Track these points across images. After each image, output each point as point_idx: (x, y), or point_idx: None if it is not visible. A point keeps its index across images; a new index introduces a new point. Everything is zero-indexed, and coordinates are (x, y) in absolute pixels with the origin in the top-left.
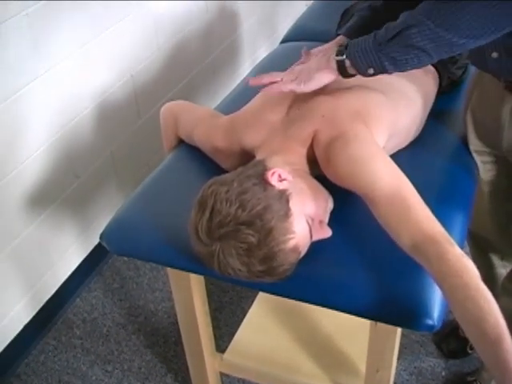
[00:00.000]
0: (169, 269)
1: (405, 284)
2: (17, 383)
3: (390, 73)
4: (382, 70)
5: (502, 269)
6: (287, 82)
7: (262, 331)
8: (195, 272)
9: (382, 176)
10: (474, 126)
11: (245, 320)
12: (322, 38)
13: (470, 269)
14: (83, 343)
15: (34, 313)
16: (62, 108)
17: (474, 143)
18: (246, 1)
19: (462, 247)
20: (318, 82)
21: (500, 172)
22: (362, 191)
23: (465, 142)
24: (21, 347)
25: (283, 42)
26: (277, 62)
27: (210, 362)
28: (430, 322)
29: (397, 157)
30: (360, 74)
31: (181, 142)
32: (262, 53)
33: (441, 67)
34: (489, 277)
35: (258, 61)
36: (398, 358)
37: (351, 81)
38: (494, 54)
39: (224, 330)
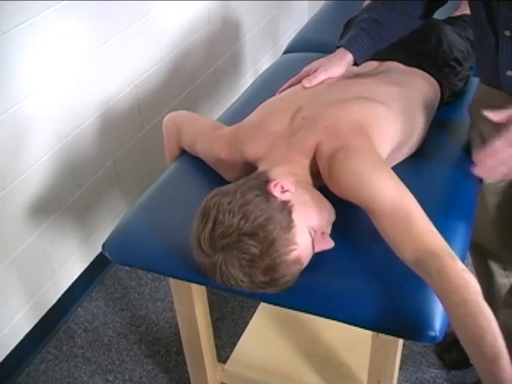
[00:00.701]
0: (171, 279)
1: (406, 295)
2: None
3: None
4: None
5: (504, 279)
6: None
7: (263, 342)
8: (197, 282)
9: (383, 189)
10: (481, 140)
11: (246, 330)
12: (324, 50)
13: (471, 285)
14: (84, 352)
15: (35, 322)
16: (65, 117)
17: None
18: (249, 11)
19: (463, 260)
20: None
21: (507, 183)
22: (364, 204)
23: (467, 154)
24: (22, 356)
25: (286, 52)
26: (279, 73)
27: (211, 373)
28: (431, 333)
29: (398, 168)
30: None
31: (183, 153)
32: (265, 63)
33: (442, 79)
34: (490, 286)
35: (260, 71)
36: (400, 369)
37: (354, 92)
38: (510, 73)
39: (225, 340)
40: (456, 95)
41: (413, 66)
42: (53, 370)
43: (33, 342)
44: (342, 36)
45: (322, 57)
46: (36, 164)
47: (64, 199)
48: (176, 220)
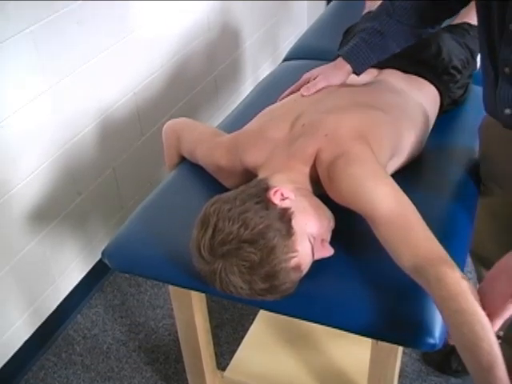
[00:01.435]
0: (170, 286)
1: (406, 303)
2: None
3: None
4: None
5: None
6: None
7: (262, 349)
8: (196, 289)
9: (383, 196)
10: (486, 167)
11: (246, 338)
12: (324, 57)
13: (468, 293)
14: (83, 360)
15: (34, 329)
16: (65, 124)
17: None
18: (248, 19)
19: (462, 268)
20: None
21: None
22: (363, 211)
23: (466, 163)
24: (21, 363)
25: (285, 60)
26: (279, 81)
27: (210, 380)
28: (431, 340)
29: (397, 176)
30: None
31: (183, 160)
32: (264, 71)
33: (442, 86)
34: None
35: (260, 78)
36: (400, 377)
37: (354, 99)
38: (508, 111)
39: (225, 347)
40: (455, 103)
41: (412, 74)
42: (52, 378)
43: (32, 349)
44: (341, 44)
45: (322, 64)
46: (35, 171)
47: (63, 206)
48: (175, 227)
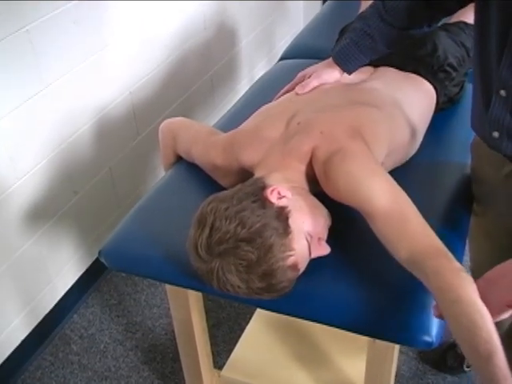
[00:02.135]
0: (167, 285)
1: (403, 301)
2: None
3: None
4: None
5: None
6: None
7: (259, 348)
8: (193, 288)
9: (379, 191)
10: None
11: (242, 337)
12: (320, 56)
13: (466, 283)
14: (80, 359)
15: (31, 328)
16: (61, 124)
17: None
18: (245, 18)
19: (460, 262)
20: None
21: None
22: (360, 206)
23: (461, 162)
24: (17, 363)
25: (282, 59)
26: (275, 80)
27: (207, 379)
28: (428, 338)
29: (393, 174)
30: None
31: (179, 159)
32: (260, 70)
33: (437, 84)
34: None
35: (256, 78)
36: (396, 375)
37: (349, 97)
38: (495, 134)
39: (222, 346)
40: (451, 100)
41: (408, 72)
42: (48, 377)
43: (28, 349)
44: (337, 42)
45: (318, 63)
46: (32, 170)
47: (60, 206)
48: (172, 226)
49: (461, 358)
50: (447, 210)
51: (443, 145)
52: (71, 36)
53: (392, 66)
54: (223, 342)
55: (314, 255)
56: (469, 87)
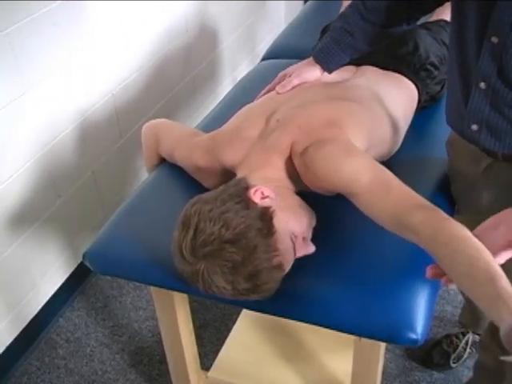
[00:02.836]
0: (152, 287)
1: (388, 299)
2: None
3: None
4: None
5: None
6: None
7: (246, 348)
8: (179, 290)
9: (359, 167)
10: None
11: (229, 337)
12: (301, 56)
13: (455, 223)
14: (67, 363)
15: (16, 333)
16: (44, 127)
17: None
18: (226, 19)
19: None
20: None
21: None
22: (342, 188)
23: (443, 158)
24: (3, 369)
25: (263, 59)
26: (257, 80)
27: (194, 380)
28: (413, 336)
29: None
30: None
31: (162, 161)
32: (243, 70)
33: (419, 82)
34: None
35: (238, 78)
36: (383, 373)
37: (328, 94)
38: (474, 127)
39: (208, 347)
40: (433, 99)
41: (390, 71)
42: (35, 382)
43: (14, 354)
44: (318, 42)
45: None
46: (15, 174)
47: (43, 209)
48: (156, 228)
49: (447, 355)
50: None
51: (425, 142)
52: (52, 38)
53: (374, 66)
54: (210, 343)
55: (299, 255)
56: None
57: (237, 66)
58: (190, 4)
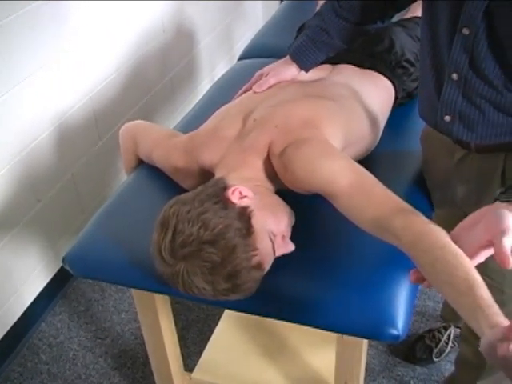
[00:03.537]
0: (133, 290)
1: (368, 296)
2: None
3: None
4: None
5: None
6: None
7: (229, 348)
8: (160, 292)
9: (338, 169)
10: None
11: (212, 338)
12: (278, 55)
13: (436, 230)
14: (49, 368)
15: None
16: (21, 131)
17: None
18: (203, 19)
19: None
20: None
21: None
22: (321, 189)
23: (418, 153)
24: None
25: (240, 59)
26: (235, 80)
27: (178, 382)
28: (394, 332)
29: None
30: None
31: (141, 163)
32: (221, 70)
33: (396, 80)
34: None
35: (216, 78)
36: (366, 369)
37: (304, 92)
38: (447, 118)
39: (192, 348)
40: (410, 96)
41: (366, 68)
42: None
43: None
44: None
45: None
46: None
47: (23, 214)
48: (136, 230)
49: (430, 349)
50: (409, 202)
51: (402, 138)
52: (29, 41)
53: (350, 64)
54: (193, 343)
55: (279, 253)
56: None
57: (215, 65)
58: (166, 4)
